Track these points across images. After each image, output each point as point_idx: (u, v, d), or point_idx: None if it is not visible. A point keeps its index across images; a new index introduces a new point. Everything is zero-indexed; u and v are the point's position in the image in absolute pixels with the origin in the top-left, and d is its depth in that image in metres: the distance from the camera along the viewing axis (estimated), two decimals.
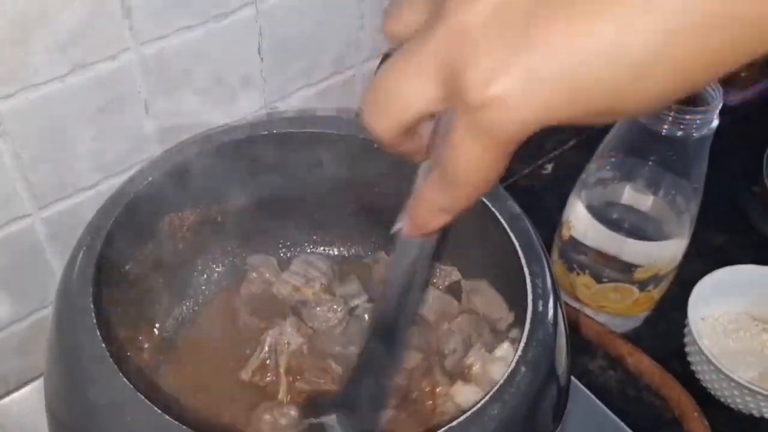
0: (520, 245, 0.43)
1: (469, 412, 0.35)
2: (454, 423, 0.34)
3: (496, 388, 0.36)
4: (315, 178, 0.53)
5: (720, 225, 0.78)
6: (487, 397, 0.35)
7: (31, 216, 0.51)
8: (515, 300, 0.44)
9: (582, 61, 0.22)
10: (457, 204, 0.27)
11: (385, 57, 0.53)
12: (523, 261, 0.43)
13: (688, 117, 0.57)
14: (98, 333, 0.37)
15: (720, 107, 0.58)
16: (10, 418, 0.58)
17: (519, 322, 0.41)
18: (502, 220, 0.45)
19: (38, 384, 0.58)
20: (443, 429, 0.34)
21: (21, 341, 0.57)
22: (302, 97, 0.61)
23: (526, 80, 0.22)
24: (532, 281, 0.41)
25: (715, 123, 0.58)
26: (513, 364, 0.37)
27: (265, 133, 0.49)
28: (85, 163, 0.52)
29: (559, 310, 0.41)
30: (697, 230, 0.65)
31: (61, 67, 0.47)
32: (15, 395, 0.58)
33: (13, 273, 0.53)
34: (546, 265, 0.43)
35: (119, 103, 0.51)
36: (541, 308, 0.40)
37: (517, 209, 0.46)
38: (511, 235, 0.44)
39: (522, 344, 0.38)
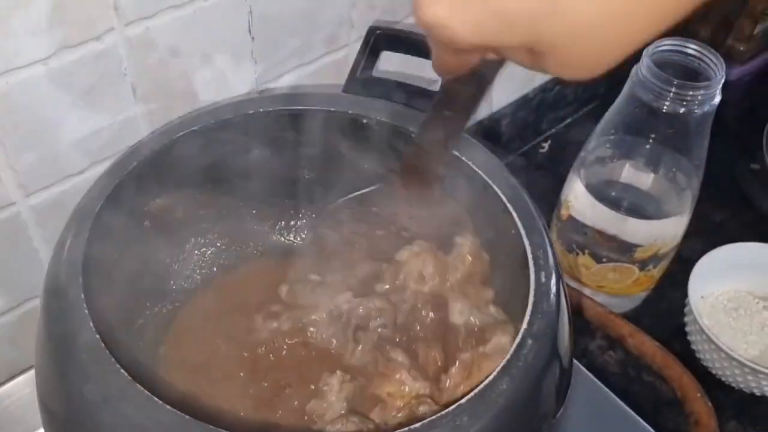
0: (519, 217, 0.42)
1: (478, 389, 0.34)
2: (463, 400, 0.33)
3: (504, 362, 0.35)
4: (307, 155, 0.52)
5: (718, 202, 0.78)
6: (495, 372, 0.34)
7: (16, 204, 0.50)
8: (515, 275, 0.43)
9: None
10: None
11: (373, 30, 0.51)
12: (523, 233, 0.41)
13: (690, 93, 0.56)
14: (91, 324, 0.35)
15: (723, 82, 0.57)
16: (2, 409, 0.57)
17: (520, 296, 0.40)
18: (500, 193, 0.44)
19: (29, 375, 0.57)
20: (452, 407, 0.33)
21: (11, 332, 0.55)
22: (294, 77, 0.59)
23: (453, 4, 0.29)
24: (533, 253, 0.40)
25: (718, 98, 0.57)
26: (519, 337, 0.36)
27: (256, 111, 0.48)
28: (72, 149, 0.50)
29: (561, 283, 0.40)
30: (696, 208, 0.64)
31: (44, 50, 0.45)
32: (6, 387, 0.57)
33: (0, 263, 0.52)
34: (546, 237, 0.42)
35: (105, 85, 0.49)
36: (543, 280, 0.39)
37: (513, 181, 0.45)
38: (510, 207, 0.43)
39: (527, 317, 0.37)
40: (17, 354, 0.57)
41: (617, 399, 0.60)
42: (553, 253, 0.40)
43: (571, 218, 0.66)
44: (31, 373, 0.58)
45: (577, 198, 0.65)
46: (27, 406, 0.57)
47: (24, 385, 0.58)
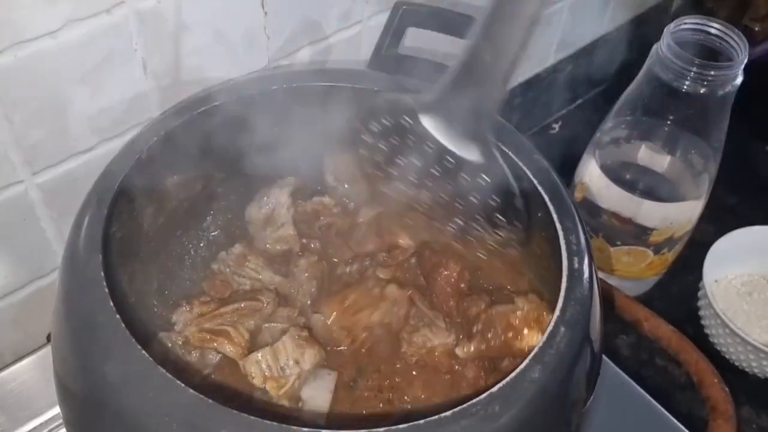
0: (550, 200, 0.41)
1: (510, 377, 0.33)
2: (495, 388, 0.32)
3: (536, 350, 0.34)
4: (324, 132, 0.50)
5: (732, 185, 0.76)
6: (527, 360, 0.34)
7: (23, 182, 0.48)
8: (546, 259, 0.41)
9: None
10: None
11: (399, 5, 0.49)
12: (555, 216, 0.40)
13: (712, 73, 0.55)
14: (111, 303, 0.35)
15: (745, 62, 0.55)
16: (7, 392, 0.56)
17: (551, 281, 0.38)
18: (531, 176, 0.42)
19: (36, 357, 0.56)
20: (484, 395, 0.32)
21: (17, 313, 0.54)
22: (308, 54, 0.58)
23: None
24: (565, 237, 0.39)
25: (740, 79, 0.56)
26: (551, 325, 0.35)
27: (279, 86, 0.47)
28: (81, 125, 0.49)
29: (593, 268, 0.39)
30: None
31: (52, 22, 0.43)
32: (11, 369, 0.56)
33: (6, 242, 0.50)
34: (578, 220, 0.41)
35: (115, 61, 0.47)
36: (576, 265, 0.38)
37: (545, 163, 0.43)
38: (540, 189, 0.42)
39: (560, 304, 0.36)
40: (23, 335, 0.56)
41: (632, 382, 0.59)
42: (586, 237, 0.39)
43: (585, 200, 0.65)
44: (37, 354, 0.57)
45: (592, 180, 0.64)
46: (33, 389, 0.56)
47: (29, 368, 0.56)
